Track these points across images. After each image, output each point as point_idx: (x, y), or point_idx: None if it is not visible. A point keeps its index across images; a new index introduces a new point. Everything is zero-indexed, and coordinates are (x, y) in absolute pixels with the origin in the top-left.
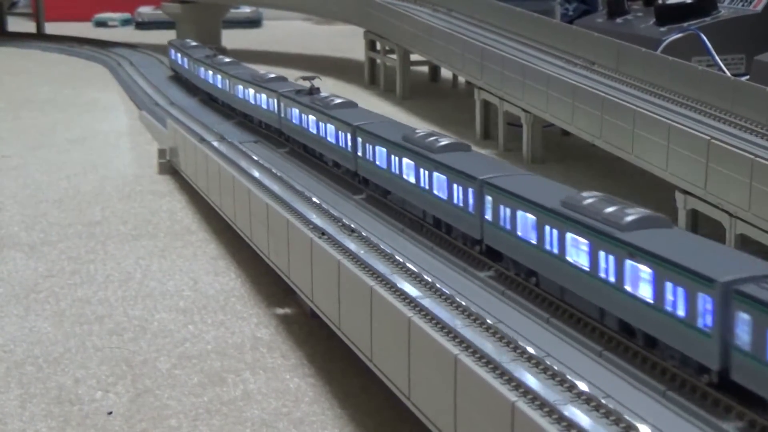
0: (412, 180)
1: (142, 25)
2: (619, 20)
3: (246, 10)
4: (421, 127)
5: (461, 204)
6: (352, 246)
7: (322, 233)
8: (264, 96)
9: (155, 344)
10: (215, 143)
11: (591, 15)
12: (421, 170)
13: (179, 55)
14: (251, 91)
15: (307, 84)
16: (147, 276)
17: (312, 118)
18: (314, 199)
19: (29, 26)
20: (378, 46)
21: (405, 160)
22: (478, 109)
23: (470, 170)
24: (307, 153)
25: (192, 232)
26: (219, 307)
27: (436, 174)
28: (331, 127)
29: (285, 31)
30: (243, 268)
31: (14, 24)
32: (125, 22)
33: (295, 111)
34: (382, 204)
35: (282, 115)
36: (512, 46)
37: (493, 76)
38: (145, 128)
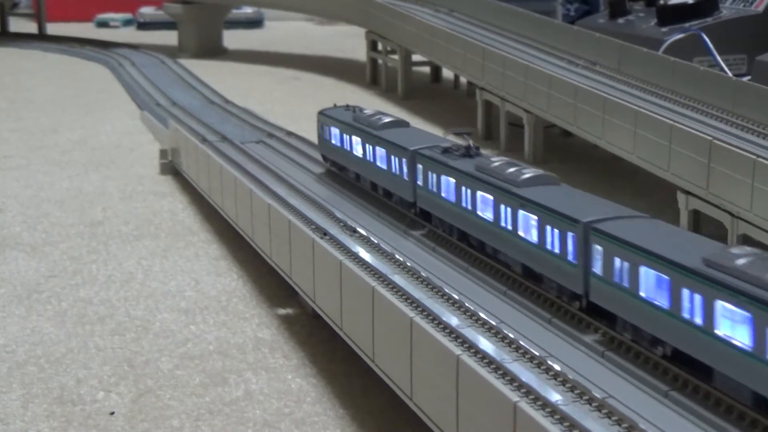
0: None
1: (143, 26)
2: (620, 21)
3: (247, 10)
4: (424, 127)
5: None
6: (353, 246)
7: (324, 233)
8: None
9: (157, 344)
10: (217, 144)
11: (593, 15)
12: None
13: (357, 139)
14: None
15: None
16: (149, 276)
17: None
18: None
19: (31, 27)
20: (380, 47)
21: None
22: (479, 109)
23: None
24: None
25: (193, 233)
26: (221, 308)
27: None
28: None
29: (286, 32)
30: (245, 268)
31: (16, 25)
32: (127, 23)
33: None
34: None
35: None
36: (514, 47)
37: (494, 77)
38: (146, 129)
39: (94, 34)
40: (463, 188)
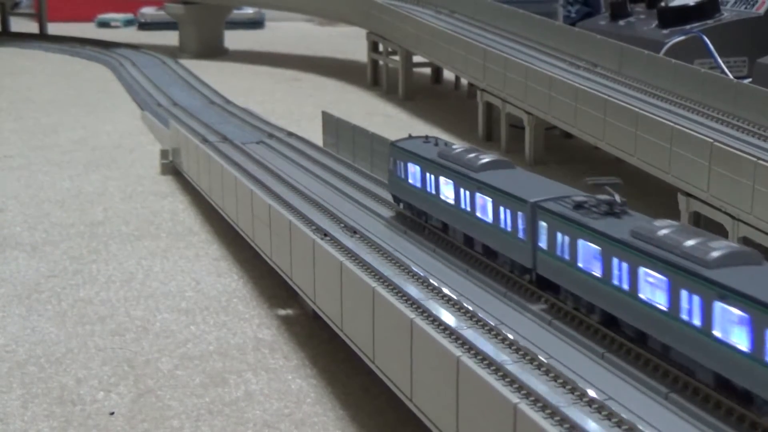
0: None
1: (144, 26)
2: (621, 22)
3: (248, 11)
4: (424, 128)
5: None
6: (354, 247)
7: (325, 234)
8: None
9: (157, 345)
10: (217, 144)
11: (594, 17)
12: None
13: (446, 181)
14: None
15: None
16: (149, 276)
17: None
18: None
19: (32, 27)
20: (380, 48)
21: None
22: (480, 110)
23: None
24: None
25: (194, 233)
26: (221, 308)
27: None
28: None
29: (287, 33)
30: (245, 269)
31: (17, 24)
32: (128, 23)
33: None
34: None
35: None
36: (515, 48)
37: (495, 78)
38: (147, 129)
39: (95, 34)
40: (615, 261)
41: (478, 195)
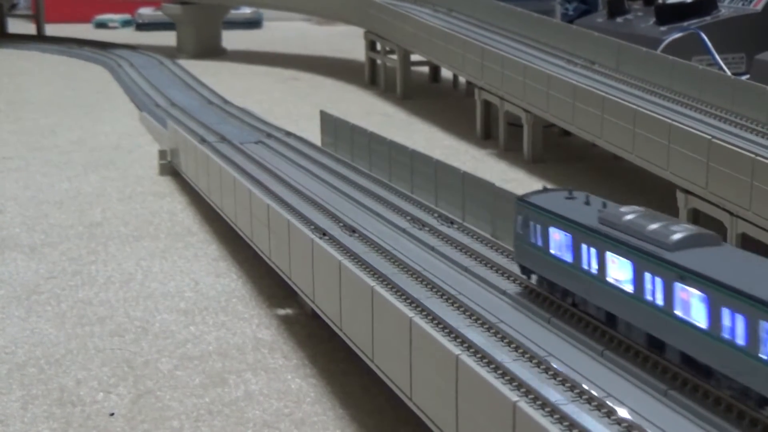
0: None
1: (142, 27)
2: (619, 20)
3: (246, 11)
4: (423, 127)
5: None
6: (353, 246)
7: (323, 233)
8: None
9: (156, 345)
10: (216, 144)
11: (591, 15)
12: None
13: (617, 259)
14: None
15: None
16: (148, 277)
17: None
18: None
19: (29, 28)
20: (378, 47)
21: None
22: (478, 109)
23: None
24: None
25: (193, 233)
26: (220, 308)
27: None
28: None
29: (285, 32)
30: (244, 269)
31: (14, 26)
32: (126, 24)
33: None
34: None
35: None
36: (513, 46)
37: (493, 76)
38: (145, 129)
39: (93, 35)
40: None
41: (678, 286)
